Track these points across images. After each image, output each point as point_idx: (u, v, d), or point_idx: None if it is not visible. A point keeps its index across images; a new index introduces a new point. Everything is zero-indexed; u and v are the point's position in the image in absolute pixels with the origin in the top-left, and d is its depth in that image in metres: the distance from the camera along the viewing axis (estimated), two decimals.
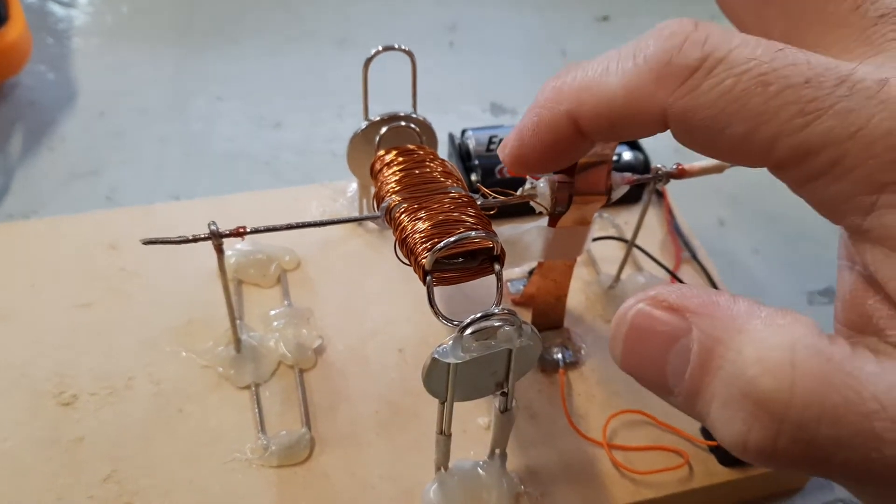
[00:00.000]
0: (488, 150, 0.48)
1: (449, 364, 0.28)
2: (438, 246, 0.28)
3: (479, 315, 0.27)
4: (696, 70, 0.20)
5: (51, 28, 0.64)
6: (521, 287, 0.43)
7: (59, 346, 0.39)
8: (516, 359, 0.29)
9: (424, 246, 0.29)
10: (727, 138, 0.20)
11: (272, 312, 0.40)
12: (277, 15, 0.68)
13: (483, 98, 0.62)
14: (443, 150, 0.46)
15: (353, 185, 0.47)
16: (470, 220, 0.31)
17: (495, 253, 0.30)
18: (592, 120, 0.23)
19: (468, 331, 0.27)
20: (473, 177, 0.46)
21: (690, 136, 0.21)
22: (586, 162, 0.33)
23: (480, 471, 0.34)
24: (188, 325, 0.40)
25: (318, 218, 0.46)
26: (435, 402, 0.30)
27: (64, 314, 0.40)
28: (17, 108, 0.56)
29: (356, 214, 0.46)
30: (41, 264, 0.42)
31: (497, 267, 0.30)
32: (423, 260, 0.29)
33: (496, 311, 0.27)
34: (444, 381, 0.29)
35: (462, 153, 0.48)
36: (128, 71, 0.61)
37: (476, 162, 0.47)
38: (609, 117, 0.23)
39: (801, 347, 0.18)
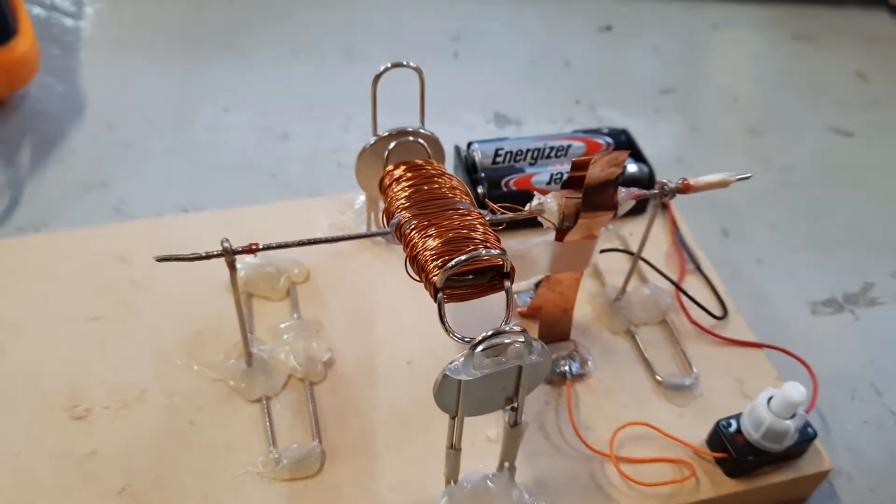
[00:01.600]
0: (494, 162, 0.48)
1: (460, 381, 0.28)
2: (449, 264, 0.28)
3: (490, 332, 0.27)
4: None
5: (58, 40, 0.64)
6: (528, 299, 0.43)
7: (71, 359, 0.39)
8: (526, 374, 0.29)
9: (435, 264, 0.30)
10: None
11: (282, 325, 0.41)
12: (284, 27, 0.69)
13: (487, 108, 0.63)
14: (449, 163, 0.46)
15: (361, 198, 0.48)
16: (479, 236, 0.31)
17: (505, 270, 0.30)
18: None
19: (479, 348, 0.27)
20: (480, 189, 0.47)
21: None
22: (594, 179, 0.33)
23: (490, 483, 0.35)
24: (198, 336, 0.41)
25: (326, 230, 0.46)
26: (443, 412, 0.31)
27: (75, 327, 0.41)
28: (26, 120, 0.57)
29: (363, 227, 0.46)
30: (53, 277, 0.43)
31: (507, 284, 0.30)
32: (435, 278, 0.29)
33: (507, 328, 0.27)
34: (454, 397, 0.29)
35: (468, 166, 0.48)
36: (135, 82, 0.61)
37: (482, 174, 0.47)
38: None
39: None
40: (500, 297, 0.30)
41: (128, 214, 0.51)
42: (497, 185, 0.47)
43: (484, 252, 0.29)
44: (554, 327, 0.41)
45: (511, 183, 0.47)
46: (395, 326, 0.42)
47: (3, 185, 0.52)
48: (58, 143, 0.55)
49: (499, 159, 0.48)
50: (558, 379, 0.40)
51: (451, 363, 0.28)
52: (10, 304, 0.41)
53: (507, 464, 0.34)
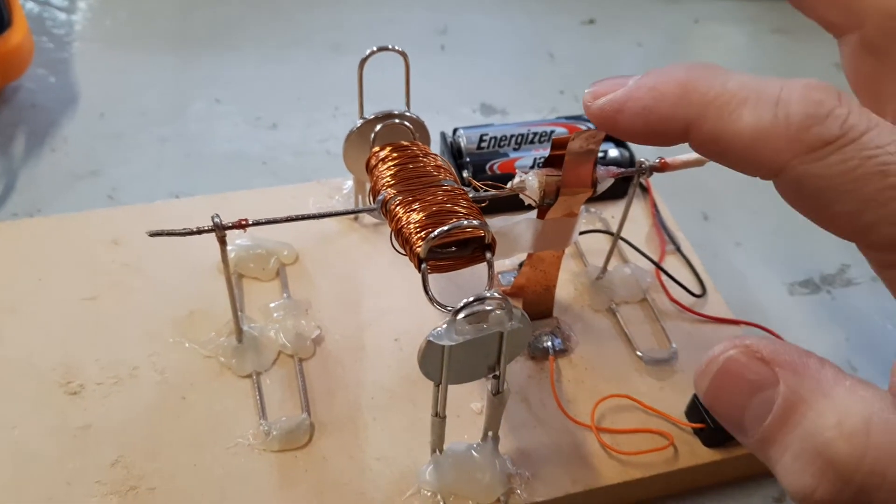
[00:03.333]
0: (479, 147, 0.49)
1: (443, 347, 0.29)
2: (432, 235, 0.30)
3: (471, 299, 0.28)
4: (829, 143, 0.21)
5: (51, 32, 0.65)
6: (512, 279, 0.44)
7: (65, 338, 0.40)
8: (507, 342, 0.31)
9: (419, 235, 0.31)
10: (832, 211, 0.21)
11: (272, 304, 0.42)
12: (274, 21, 0.70)
13: (473, 99, 0.64)
14: (435, 149, 0.47)
15: (349, 183, 0.49)
16: (462, 210, 0.32)
17: (487, 241, 0.31)
18: (706, 140, 0.23)
19: (461, 314, 0.29)
20: (465, 174, 0.48)
21: (796, 197, 0.22)
22: (573, 156, 0.35)
23: (474, 453, 0.36)
24: (190, 316, 0.42)
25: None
26: (429, 388, 0.32)
27: (70, 307, 0.42)
28: (20, 111, 0.57)
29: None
30: (47, 260, 0.44)
31: (488, 255, 0.31)
32: (418, 249, 0.30)
33: (488, 295, 0.29)
34: (438, 364, 0.30)
35: (454, 151, 0.49)
36: (127, 74, 0.62)
37: (467, 159, 0.48)
38: (725, 147, 0.23)
39: (878, 420, 0.19)
40: (483, 273, 0.31)
41: (120, 202, 0.52)
42: (482, 169, 0.48)
43: (466, 223, 0.30)
44: (537, 305, 0.42)
45: (495, 167, 0.48)
46: (382, 305, 0.43)
47: None
48: (51, 132, 0.56)
49: (483, 144, 0.49)
50: (541, 355, 0.41)
51: (434, 330, 0.29)
52: (5, 286, 0.42)
53: (490, 434, 0.35)
